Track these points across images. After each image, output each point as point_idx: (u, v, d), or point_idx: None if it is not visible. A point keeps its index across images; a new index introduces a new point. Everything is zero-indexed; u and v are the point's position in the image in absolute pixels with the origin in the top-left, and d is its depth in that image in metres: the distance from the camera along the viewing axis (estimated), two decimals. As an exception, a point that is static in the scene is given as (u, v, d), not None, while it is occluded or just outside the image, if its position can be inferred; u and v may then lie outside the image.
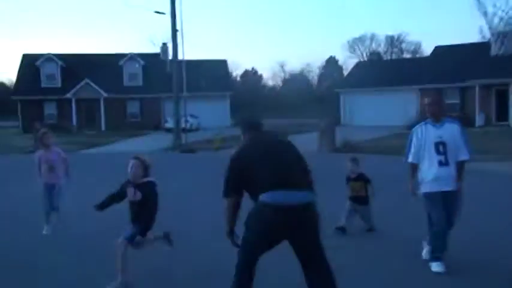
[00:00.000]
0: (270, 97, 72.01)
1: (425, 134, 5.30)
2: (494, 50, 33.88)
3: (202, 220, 7.80)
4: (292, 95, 67.94)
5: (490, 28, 46.30)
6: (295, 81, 75.79)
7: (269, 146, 3.95)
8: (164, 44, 44.36)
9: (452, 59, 34.33)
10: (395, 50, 72.50)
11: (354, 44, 72.35)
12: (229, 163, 3.89)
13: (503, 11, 47.71)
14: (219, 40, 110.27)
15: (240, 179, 3.82)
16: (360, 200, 7.00)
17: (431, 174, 5.20)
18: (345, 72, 72.93)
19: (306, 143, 14.98)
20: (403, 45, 72.15)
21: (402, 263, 5.52)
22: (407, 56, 67.89)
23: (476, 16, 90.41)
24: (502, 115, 31.88)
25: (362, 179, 7.08)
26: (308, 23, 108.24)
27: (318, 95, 66.44)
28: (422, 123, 5.47)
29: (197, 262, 5.71)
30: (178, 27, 26.45)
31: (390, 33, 73.03)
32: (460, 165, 5.25)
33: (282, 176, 3.68)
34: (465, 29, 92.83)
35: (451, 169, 5.18)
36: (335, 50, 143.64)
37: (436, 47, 38.89)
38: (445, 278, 4.95)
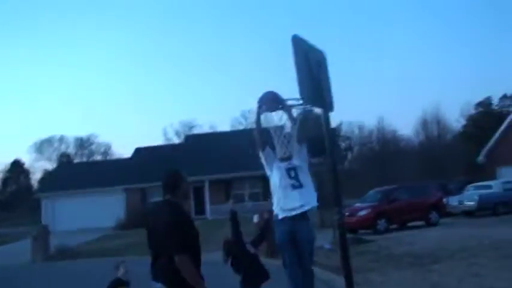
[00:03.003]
0: None
1: None
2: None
3: None
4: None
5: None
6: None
7: None
8: None
9: (153, 159, 36.44)
10: (85, 151, 72.40)
11: (42, 146, 69.44)
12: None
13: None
14: None
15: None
16: None
17: None
18: (32, 176, 69.09)
19: (17, 253, 13.77)
20: (93, 147, 72.65)
21: None
22: (98, 157, 68.48)
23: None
24: (199, 209, 35.23)
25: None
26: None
27: (2, 200, 60.82)
28: None
29: None
30: None
31: (79, 134, 72.56)
32: None
33: None
34: (151, 130, 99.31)
35: None
36: (19, 152, 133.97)
37: (136, 148, 40.71)
38: None
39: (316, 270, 11.59)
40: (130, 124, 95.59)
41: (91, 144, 72.75)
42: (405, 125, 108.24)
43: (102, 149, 71.99)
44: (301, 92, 4.62)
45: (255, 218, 15.72)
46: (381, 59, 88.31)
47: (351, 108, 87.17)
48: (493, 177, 29.29)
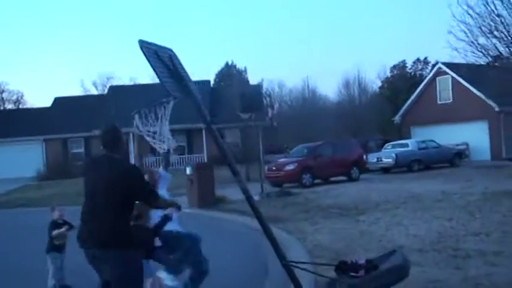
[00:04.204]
0: None
1: None
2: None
3: None
4: None
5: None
6: None
7: None
8: None
9: (74, 110, 35.26)
10: (-5, 99, 68.39)
11: None
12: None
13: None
14: None
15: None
16: (64, 248, 6.65)
17: None
18: None
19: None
20: (4, 95, 68.70)
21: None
22: (9, 106, 65.05)
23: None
24: (123, 161, 34.58)
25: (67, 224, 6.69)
26: None
27: None
28: None
29: None
30: None
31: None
32: None
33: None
34: (67, 81, 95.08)
35: None
36: None
37: (55, 98, 39.09)
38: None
39: (247, 219, 12.17)
40: (43, 73, 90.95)
41: (2, 91, 68.69)
42: (329, 87, 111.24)
43: (13, 98, 68.23)
44: (169, 89, 4.67)
45: (188, 170, 15.94)
46: (304, 18, 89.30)
47: (274, 66, 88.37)
48: (407, 136, 31.12)
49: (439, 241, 7.61)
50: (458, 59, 19.81)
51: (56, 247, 6.52)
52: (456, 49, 17.59)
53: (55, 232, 6.46)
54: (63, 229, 6.50)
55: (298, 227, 10.21)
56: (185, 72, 4.87)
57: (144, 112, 5.13)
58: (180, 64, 4.85)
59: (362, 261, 4.56)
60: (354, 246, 7.79)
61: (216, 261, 7.91)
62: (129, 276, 3.82)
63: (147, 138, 5.31)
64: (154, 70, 4.52)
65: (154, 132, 5.23)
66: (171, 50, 4.85)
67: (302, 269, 5.07)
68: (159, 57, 4.57)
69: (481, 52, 17.41)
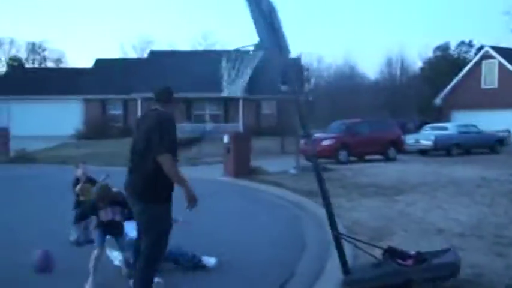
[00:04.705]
0: None
1: None
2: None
3: None
4: None
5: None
6: None
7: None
8: None
9: (114, 72, 35.68)
10: (37, 57, 69.63)
11: (-11, 48, 66.16)
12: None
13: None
14: None
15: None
16: None
17: None
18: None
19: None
20: (46, 53, 69.85)
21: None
22: (50, 64, 66.19)
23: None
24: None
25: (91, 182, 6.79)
26: None
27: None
28: None
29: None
30: None
31: (31, 39, 69.40)
32: None
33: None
34: (106, 43, 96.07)
35: None
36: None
37: (97, 59, 39.62)
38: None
39: (286, 193, 12.21)
40: (85, 35, 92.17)
41: (44, 50, 69.76)
42: (370, 65, 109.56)
43: (55, 57, 69.28)
44: (261, 39, 4.79)
45: (226, 139, 16.02)
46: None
47: (314, 41, 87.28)
48: (448, 120, 30.50)
49: (480, 227, 7.48)
50: (505, 44, 19.13)
51: (81, 203, 6.56)
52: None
53: (77, 188, 6.59)
54: (80, 184, 6.58)
55: (335, 203, 10.12)
56: (281, 28, 4.90)
57: (234, 54, 5.16)
58: (278, 19, 4.87)
59: (412, 253, 4.57)
60: (392, 226, 7.73)
61: (252, 231, 8.05)
62: (158, 227, 4.20)
63: (224, 73, 5.35)
64: (252, 17, 4.70)
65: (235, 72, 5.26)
66: (272, 4, 4.91)
67: (352, 243, 5.08)
68: (259, 6, 4.67)
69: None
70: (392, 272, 4.51)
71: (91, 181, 6.79)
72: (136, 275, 4.28)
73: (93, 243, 5.58)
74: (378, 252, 5.07)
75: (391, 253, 4.67)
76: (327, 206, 4.85)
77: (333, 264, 5.78)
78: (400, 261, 4.56)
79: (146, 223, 4.20)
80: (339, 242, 4.78)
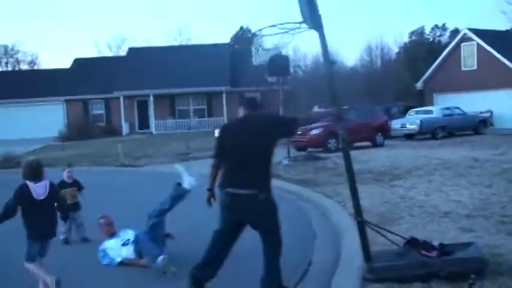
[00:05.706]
0: None
1: None
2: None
3: None
4: None
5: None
6: None
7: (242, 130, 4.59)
8: None
9: (94, 71, 35.28)
10: (10, 60, 68.37)
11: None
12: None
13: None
14: None
15: (221, 147, 4.56)
16: (76, 207, 7.22)
17: None
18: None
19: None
20: (19, 55, 68.58)
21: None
22: (24, 67, 65.04)
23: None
24: (143, 123, 34.87)
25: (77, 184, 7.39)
26: None
27: None
28: None
29: None
30: None
31: (3, 42, 68.02)
32: None
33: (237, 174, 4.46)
34: (80, 42, 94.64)
35: None
36: None
37: (75, 59, 39.11)
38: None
39: (281, 183, 12.24)
40: (57, 35, 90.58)
41: (16, 52, 68.44)
42: (349, 55, 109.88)
43: (28, 59, 68.06)
44: (305, 16, 4.85)
45: (216, 133, 15.95)
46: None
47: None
48: (430, 103, 30.84)
49: (485, 208, 7.60)
50: (481, 26, 19.36)
51: (69, 206, 6.65)
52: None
53: (62, 192, 6.56)
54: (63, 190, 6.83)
55: (335, 191, 10.24)
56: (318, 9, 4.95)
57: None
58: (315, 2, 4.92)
59: (436, 244, 4.61)
60: (397, 212, 7.82)
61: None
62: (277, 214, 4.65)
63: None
64: None
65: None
66: None
67: (375, 230, 5.11)
68: None
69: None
70: (416, 263, 4.54)
71: (77, 184, 7.38)
72: (272, 271, 4.61)
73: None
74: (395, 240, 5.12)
75: (414, 244, 4.71)
76: (353, 193, 4.89)
77: (348, 251, 5.84)
78: (424, 252, 4.60)
79: (272, 212, 4.59)
80: (364, 228, 4.81)
